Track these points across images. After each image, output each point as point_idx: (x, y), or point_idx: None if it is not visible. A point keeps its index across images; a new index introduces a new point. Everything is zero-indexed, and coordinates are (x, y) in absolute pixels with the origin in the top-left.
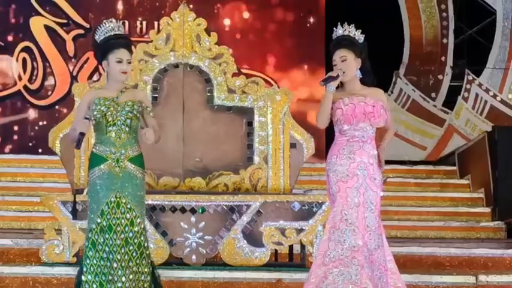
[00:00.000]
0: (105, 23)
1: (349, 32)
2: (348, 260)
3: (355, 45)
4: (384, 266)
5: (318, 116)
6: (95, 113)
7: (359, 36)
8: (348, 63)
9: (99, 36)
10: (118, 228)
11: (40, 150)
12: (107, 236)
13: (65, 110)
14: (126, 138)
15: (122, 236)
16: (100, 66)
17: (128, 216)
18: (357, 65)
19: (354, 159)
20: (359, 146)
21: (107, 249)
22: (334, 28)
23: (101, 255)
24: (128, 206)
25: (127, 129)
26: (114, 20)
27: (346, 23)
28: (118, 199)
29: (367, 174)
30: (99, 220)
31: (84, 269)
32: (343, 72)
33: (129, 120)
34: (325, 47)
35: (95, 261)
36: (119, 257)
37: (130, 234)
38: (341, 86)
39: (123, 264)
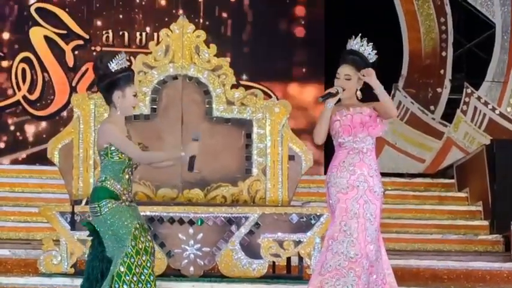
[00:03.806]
0: (116, 53)
1: (361, 48)
2: (345, 270)
3: (364, 64)
4: (381, 279)
5: (316, 132)
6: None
7: (371, 54)
8: (351, 83)
9: (115, 66)
10: (152, 251)
11: (39, 161)
12: (144, 258)
13: (64, 121)
14: (131, 181)
15: (152, 257)
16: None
17: (149, 238)
18: (359, 86)
19: (354, 171)
20: (359, 159)
21: (145, 271)
22: (349, 39)
23: (138, 279)
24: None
25: (131, 173)
26: (123, 52)
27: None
28: (141, 225)
29: (367, 187)
30: (133, 243)
31: None
32: (343, 90)
33: (136, 165)
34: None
35: (132, 286)
36: (152, 278)
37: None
38: (339, 100)
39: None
